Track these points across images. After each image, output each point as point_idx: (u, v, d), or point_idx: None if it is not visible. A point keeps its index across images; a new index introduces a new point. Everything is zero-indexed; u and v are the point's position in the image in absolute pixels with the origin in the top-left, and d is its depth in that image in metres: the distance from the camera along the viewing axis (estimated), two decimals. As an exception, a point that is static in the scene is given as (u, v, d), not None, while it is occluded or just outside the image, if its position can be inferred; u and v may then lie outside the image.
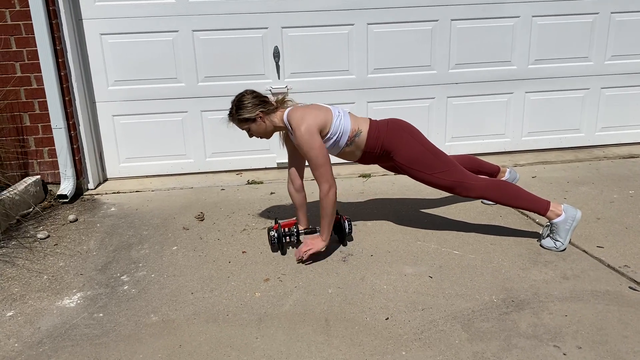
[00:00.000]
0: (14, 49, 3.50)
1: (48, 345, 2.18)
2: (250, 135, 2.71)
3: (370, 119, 2.79)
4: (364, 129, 2.73)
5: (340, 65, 4.03)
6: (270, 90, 4.00)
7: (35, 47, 3.48)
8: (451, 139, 4.32)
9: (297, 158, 2.86)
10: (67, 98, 3.64)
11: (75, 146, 3.75)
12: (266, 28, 3.88)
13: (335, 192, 2.66)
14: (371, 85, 4.10)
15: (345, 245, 2.92)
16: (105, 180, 4.12)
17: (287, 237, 2.85)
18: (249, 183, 3.96)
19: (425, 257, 2.78)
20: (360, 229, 3.13)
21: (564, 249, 2.78)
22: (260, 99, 2.66)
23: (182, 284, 2.62)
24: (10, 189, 3.49)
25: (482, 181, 2.75)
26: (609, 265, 2.63)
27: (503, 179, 3.32)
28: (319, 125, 2.61)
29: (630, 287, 2.44)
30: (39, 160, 3.73)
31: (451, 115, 4.26)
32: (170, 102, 3.97)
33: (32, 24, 3.42)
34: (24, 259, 2.93)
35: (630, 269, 2.59)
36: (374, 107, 4.16)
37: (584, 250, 2.79)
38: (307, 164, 2.71)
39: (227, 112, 2.70)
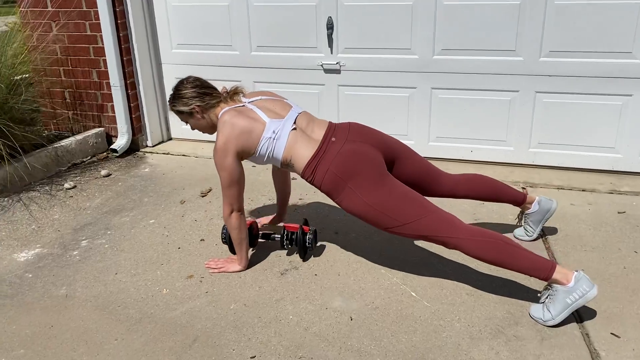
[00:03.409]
0: (84, 8, 3.75)
1: (-36, 294, 2.36)
2: (192, 128, 2.45)
3: (317, 155, 2.17)
4: (298, 165, 2.21)
5: (400, 43, 3.45)
6: (322, 65, 3.64)
7: (101, 7, 3.68)
8: (537, 145, 3.44)
9: None
10: (126, 58, 3.81)
11: (133, 104, 3.94)
12: (320, -4, 3.50)
13: (239, 217, 2.31)
14: (437, 68, 3.44)
15: (304, 260, 2.55)
16: (169, 139, 4.28)
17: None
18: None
19: (371, 291, 2.28)
20: (336, 239, 2.71)
21: (553, 325, 2.02)
22: (200, 91, 2.31)
23: (118, 261, 2.59)
24: (70, 138, 3.84)
25: (461, 236, 2.05)
26: (601, 367, 1.84)
27: (529, 211, 2.54)
28: (238, 146, 2.19)
29: (597, 411, 1.66)
30: (104, 114, 4.03)
31: (539, 115, 3.37)
32: (225, 70, 3.89)
33: (95, -15, 3.61)
34: (38, 205, 3.22)
35: (628, 381, 1.77)
36: (440, 94, 3.50)
37: (586, 334, 1.99)
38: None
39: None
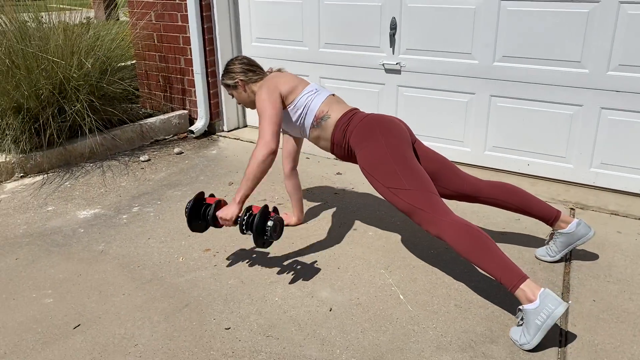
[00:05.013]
0: (177, 1, 4.15)
1: (28, 239, 2.80)
2: (238, 102, 2.68)
3: (354, 110, 2.43)
4: (335, 115, 2.41)
5: (461, 47, 3.38)
6: (383, 65, 3.68)
7: (191, 1, 4.05)
8: (600, 165, 3.19)
9: (293, 140, 2.74)
10: (208, 48, 4.15)
11: (212, 91, 4.28)
12: (386, -3, 3.54)
13: (266, 157, 2.26)
14: (497, 75, 3.32)
15: (262, 248, 2.54)
16: (245, 126, 4.58)
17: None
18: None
19: (361, 288, 2.33)
20: (352, 235, 2.77)
21: (530, 349, 1.93)
22: (246, 67, 2.56)
23: (155, 228, 2.90)
24: (155, 117, 4.28)
25: (449, 219, 2.07)
26: (560, 400, 1.74)
27: (564, 230, 2.38)
28: (283, 89, 2.43)
29: None
30: (188, 98, 4.42)
31: (604, 133, 3.12)
32: (295, 64, 4.08)
33: (185, -20, 3.98)
34: (113, 172, 3.66)
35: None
36: (499, 103, 3.38)
37: (563, 366, 1.88)
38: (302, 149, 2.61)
39: None
